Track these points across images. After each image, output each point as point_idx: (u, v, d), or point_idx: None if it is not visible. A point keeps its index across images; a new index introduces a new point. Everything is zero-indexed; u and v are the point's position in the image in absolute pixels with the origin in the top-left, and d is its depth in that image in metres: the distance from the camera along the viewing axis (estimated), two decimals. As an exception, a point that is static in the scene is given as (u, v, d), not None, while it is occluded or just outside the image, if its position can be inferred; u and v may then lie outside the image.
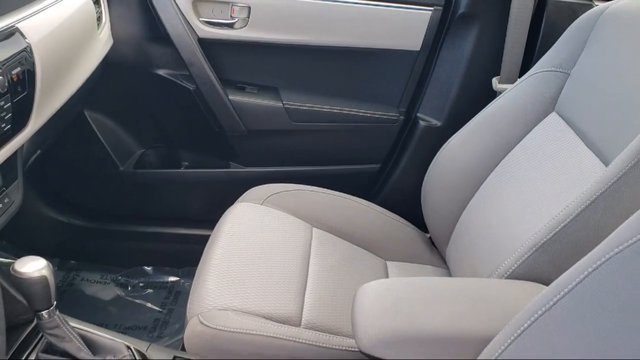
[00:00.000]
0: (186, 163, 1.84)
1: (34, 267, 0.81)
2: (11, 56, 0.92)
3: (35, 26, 1.03)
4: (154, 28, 1.58)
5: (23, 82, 0.95)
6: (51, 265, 0.83)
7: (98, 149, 1.71)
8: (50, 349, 0.86)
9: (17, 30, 0.97)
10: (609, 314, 0.59)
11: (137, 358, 0.91)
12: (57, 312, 0.85)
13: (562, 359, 0.62)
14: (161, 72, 1.65)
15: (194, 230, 1.78)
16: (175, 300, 1.70)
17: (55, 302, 0.85)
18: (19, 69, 0.93)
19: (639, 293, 0.57)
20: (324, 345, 0.99)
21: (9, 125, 0.91)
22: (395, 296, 0.82)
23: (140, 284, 1.75)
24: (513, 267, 0.93)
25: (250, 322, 1.01)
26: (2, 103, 0.88)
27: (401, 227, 1.47)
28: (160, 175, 1.81)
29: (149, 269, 1.79)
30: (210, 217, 1.39)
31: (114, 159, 1.73)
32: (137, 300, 1.68)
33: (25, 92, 0.96)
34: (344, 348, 1.00)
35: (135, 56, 1.62)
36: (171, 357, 0.96)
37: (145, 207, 1.83)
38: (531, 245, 0.91)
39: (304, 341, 0.99)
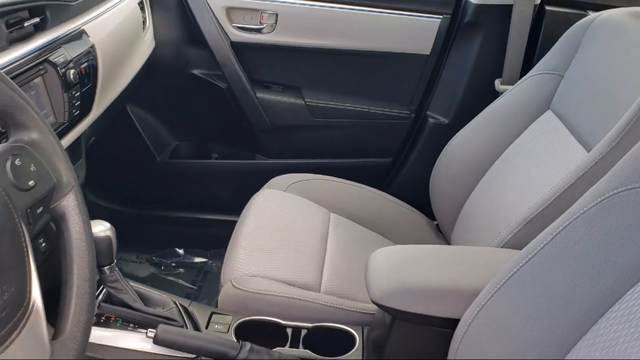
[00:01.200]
0: (216, 155, 1.92)
1: (100, 228, 0.93)
2: (80, 53, 1.06)
3: (96, 28, 1.16)
4: (192, 32, 1.67)
5: (89, 75, 1.09)
6: (114, 229, 0.96)
7: (138, 141, 1.80)
8: (109, 299, 0.98)
9: (84, 31, 1.11)
10: (573, 265, 0.71)
11: (182, 311, 1.04)
12: (116, 268, 0.98)
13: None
14: (196, 71, 1.74)
15: (221, 215, 1.85)
16: (204, 279, 1.80)
17: (115, 260, 0.98)
18: (86, 64, 1.07)
19: (594, 249, 0.69)
20: (340, 307, 1.10)
21: (78, 111, 1.05)
22: (403, 258, 0.94)
23: (173, 264, 1.84)
24: (507, 239, 1.04)
25: (276, 286, 1.12)
26: (74, 92, 1.02)
27: (411, 215, 1.54)
28: (192, 165, 1.89)
29: (180, 250, 1.88)
30: (237, 204, 1.48)
31: (151, 150, 1.82)
32: (169, 278, 1.78)
33: (90, 84, 1.10)
34: (358, 310, 1.11)
35: (174, 57, 1.71)
36: (209, 313, 1.08)
37: (178, 194, 1.90)
38: (522, 220, 1.02)
39: (323, 303, 1.10)
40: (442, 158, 1.48)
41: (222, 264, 1.25)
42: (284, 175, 1.53)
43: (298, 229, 1.32)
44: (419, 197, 1.56)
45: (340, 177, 1.57)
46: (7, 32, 0.90)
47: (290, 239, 1.28)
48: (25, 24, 0.95)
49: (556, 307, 0.71)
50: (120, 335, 0.96)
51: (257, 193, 1.46)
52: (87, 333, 0.64)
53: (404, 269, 0.91)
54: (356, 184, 1.56)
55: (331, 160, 1.84)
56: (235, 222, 1.36)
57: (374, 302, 0.89)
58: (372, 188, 1.56)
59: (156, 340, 0.92)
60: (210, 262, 1.87)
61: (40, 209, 0.64)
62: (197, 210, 1.90)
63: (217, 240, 1.60)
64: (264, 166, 1.83)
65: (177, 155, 1.90)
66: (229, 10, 1.64)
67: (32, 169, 0.63)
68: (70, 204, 0.67)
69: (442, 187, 1.45)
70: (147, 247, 1.87)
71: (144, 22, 1.51)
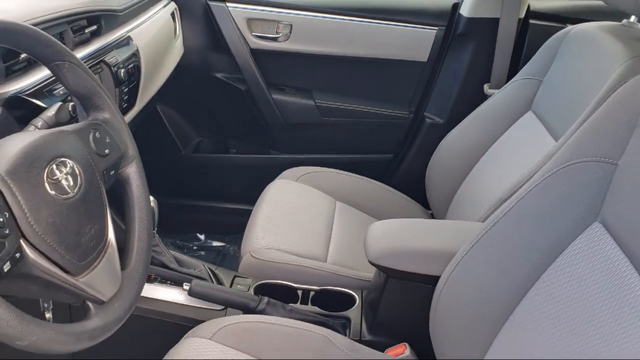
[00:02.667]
0: (234, 150, 2.04)
1: (146, 200, 1.11)
2: (128, 56, 1.24)
3: (139, 35, 1.35)
4: (216, 40, 1.81)
5: (134, 74, 1.27)
6: (157, 201, 1.13)
7: (165, 136, 1.93)
8: (150, 261, 1.16)
9: (130, 37, 1.29)
10: (525, 228, 0.87)
11: (210, 273, 1.21)
12: (157, 235, 1.15)
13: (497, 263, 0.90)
14: (219, 75, 1.88)
15: (238, 204, 1.97)
16: (223, 261, 1.94)
17: (156, 227, 1.15)
18: (132, 65, 1.25)
19: (542, 215, 0.85)
20: (343, 274, 1.26)
21: (126, 104, 1.23)
22: (395, 227, 1.11)
23: (194, 247, 1.98)
24: (484, 216, 1.20)
25: (289, 257, 1.28)
26: (123, 87, 1.20)
27: (408, 204, 1.66)
28: (213, 158, 2.02)
29: (201, 235, 2.02)
30: (252, 195, 1.59)
31: (177, 144, 1.96)
32: (191, 260, 1.93)
33: (135, 82, 1.28)
34: (357, 277, 1.26)
35: (200, 62, 1.85)
36: (232, 276, 1.25)
37: (200, 185, 2.02)
38: (497, 200, 1.17)
39: (328, 270, 1.26)
40: (436, 154, 1.60)
41: (238, 247, 1.39)
42: (296, 167, 1.66)
43: (307, 213, 1.47)
44: (416, 189, 1.68)
45: (345, 170, 1.69)
46: (73, 37, 1.08)
47: (301, 220, 1.43)
48: (86, 31, 1.13)
49: (514, 261, 0.87)
50: (160, 290, 1.13)
51: (272, 183, 1.59)
52: (147, 268, 0.82)
53: (395, 235, 1.08)
54: (360, 176, 1.68)
55: (338, 155, 1.95)
56: (250, 210, 1.49)
57: (370, 262, 1.06)
58: (374, 180, 1.69)
59: (191, 292, 1.09)
60: (227, 246, 2.00)
61: (112, 172, 0.82)
62: (216, 199, 2.02)
63: (234, 227, 1.73)
64: (277, 160, 1.95)
65: (200, 149, 2.03)
66: (250, 21, 1.79)
67: (107, 141, 0.81)
68: (133, 171, 0.86)
69: (436, 179, 1.57)
70: (171, 232, 1.98)
71: (175, 31, 1.69)
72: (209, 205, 2.03)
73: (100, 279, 0.71)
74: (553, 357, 0.77)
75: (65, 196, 0.68)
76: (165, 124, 1.93)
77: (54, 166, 0.68)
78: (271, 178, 1.63)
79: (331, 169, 1.69)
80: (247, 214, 1.48)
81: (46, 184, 0.66)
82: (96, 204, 0.74)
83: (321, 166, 1.69)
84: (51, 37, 0.76)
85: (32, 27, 0.73)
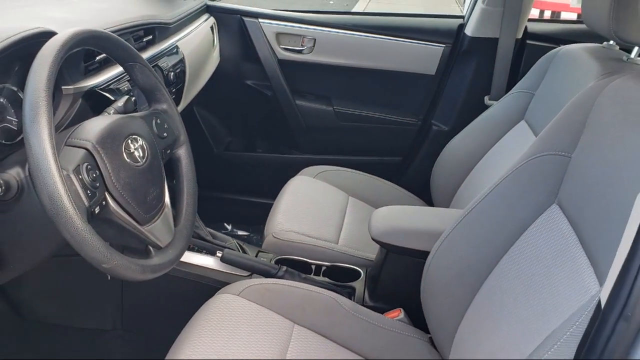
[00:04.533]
0: (260, 149, 2.20)
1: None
2: (176, 62, 1.45)
3: (185, 44, 1.55)
4: (248, 51, 1.99)
5: (180, 78, 1.47)
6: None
7: (200, 136, 2.08)
8: None
9: (177, 46, 1.50)
10: (499, 210, 1.04)
11: (238, 247, 1.40)
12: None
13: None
14: (249, 82, 2.05)
15: (261, 199, 2.11)
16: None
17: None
18: (179, 70, 1.46)
19: (511, 200, 1.02)
20: (351, 254, 1.44)
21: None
22: (395, 211, 1.30)
23: None
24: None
25: (305, 238, 1.46)
26: (172, 88, 1.40)
27: (413, 201, 1.81)
28: (241, 157, 2.18)
29: (228, 225, 2.18)
30: (274, 190, 1.73)
31: (210, 143, 2.12)
32: (223, 235, 2.02)
33: (180, 85, 1.48)
34: (363, 257, 1.43)
35: (233, 70, 2.02)
36: (256, 251, 1.44)
37: (229, 180, 2.17)
38: (485, 191, 1.34)
39: (338, 250, 1.44)
40: (440, 158, 1.75)
41: (261, 237, 1.56)
42: (314, 166, 1.82)
43: (323, 204, 1.64)
44: (422, 188, 1.82)
45: (358, 170, 1.84)
46: (134, 44, 1.29)
47: (317, 210, 1.61)
48: (144, 40, 1.35)
49: (488, 237, 1.04)
50: (197, 257, 1.33)
51: (293, 178, 1.76)
52: (192, 227, 1.02)
53: (394, 217, 1.27)
54: (371, 175, 1.84)
55: (352, 156, 2.09)
56: (272, 204, 1.65)
57: (373, 239, 1.25)
58: (384, 180, 1.84)
59: (223, 259, 1.29)
60: (251, 235, 2.16)
61: (168, 151, 1.02)
62: (242, 193, 2.19)
63: (257, 218, 1.87)
64: (298, 159, 2.10)
65: (230, 148, 2.19)
66: (278, 35, 1.98)
67: (165, 127, 1.01)
68: (184, 152, 1.06)
69: (440, 179, 1.73)
70: (202, 221, 2.10)
71: (213, 42, 1.89)
72: (236, 199, 2.20)
73: (159, 230, 0.91)
74: (517, 311, 0.93)
75: (136, 164, 0.88)
76: (201, 124, 2.10)
77: (129, 141, 0.89)
78: (292, 175, 1.78)
79: (346, 168, 1.84)
80: (270, 207, 1.64)
81: (123, 154, 0.87)
82: (157, 173, 0.94)
83: (337, 166, 1.85)
84: (127, 43, 0.97)
85: (114, 34, 0.94)
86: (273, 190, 1.76)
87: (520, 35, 1.84)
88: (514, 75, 1.84)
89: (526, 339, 0.80)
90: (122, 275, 0.80)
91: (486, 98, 1.88)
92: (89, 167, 0.79)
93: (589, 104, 0.99)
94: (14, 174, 0.82)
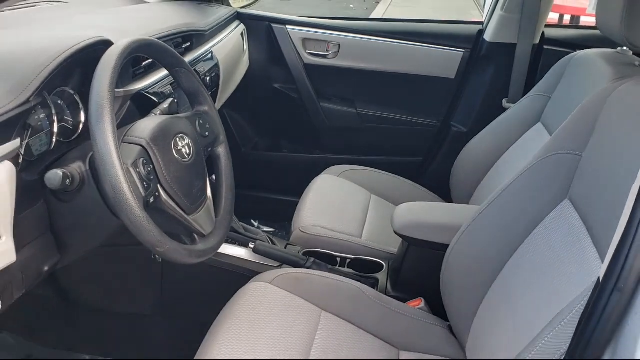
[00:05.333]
0: (286, 150, 2.28)
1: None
2: (211, 67, 1.54)
3: (219, 51, 1.65)
4: (276, 56, 2.07)
5: (214, 82, 1.57)
6: None
7: (228, 136, 2.11)
8: None
9: (212, 52, 1.60)
10: (514, 204, 1.11)
11: (268, 239, 1.49)
12: None
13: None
14: (276, 85, 2.13)
15: (287, 197, 2.19)
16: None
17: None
18: (214, 74, 1.55)
19: (525, 197, 1.08)
20: (374, 247, 1.51)
21: (210, 105, 1.53)
22: (417, 207, 1.37)
23: None
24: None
25: (330, 233, 1.54)
26: (208, 92, 1.50)
27: (433, 199, 1.86)
28: (267, 156, 2.26)
29: (255, 222, 2.26)
30: (299, 188, 1.78)
31: (238, 142, 2.21)
32: (254, 229, 2.07)
33: (215, 89, 1.58)
34: (385, 251, 1.50)
35: (261, 74, 2.11)
36: (285, 244, 1.52)
37: (256, 178, 2.24)
38: (502, 187, 1.40)
39: (362, 244, 1.51)
40: (459, 158, 1.81)
41: (287, 233, 1.64)
42: (338, 165, 1.89)
43: (347, 202, 1.72)
44: (442, 188, 1.87)
45: (380, 169, 1.90)
46: (175, 50, 1.38)
47: (341, 207, 1.68)
48: (183, 46, 1.44)
49: (504, 230, 1.11)
50: (232, 248, 1.42)
51: (318, 177, 1.83)
52: (231, 218, 1.11)
53: (416, 212, 1.34)
54: (393, 175, 1.90)
55: (374, 157, 2.16)
56: (297, 202, 1.71)
57: (395, 233, 1.32)
58: (404, 178, 1.90)
59: (255, 250, 1.38)
60: (277, 232, 2.23)
61: (209, 149, 1.12)
62: (268, 191, 2.26)
63: (283, 215, 1.95)
64: (323, 159, 2.17)
65: (257, 148, 2.28)
66: (305, 40, 2.06)
67: (207, 127, 1.11)
68: (223, 150, 1.15)
69: (459, 179, 1.79)
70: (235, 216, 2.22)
71: (244, 48, 1.98)
72: (262, 196, 2.28)
73: (202, 219, 1.01)
74: (530, 296, 1.00)
75: (183, 160, 0.98)
76: (230, 125, 2.19)
77: (177, 139, 0.98)
78: (316, 174, 1.86)
79: (368, 168, 1.90)
80: (294, 205, 1.71)
81: (173, 150, 0.96)
82: (201, 168, 1.04)
83: (360, 165, 1.91)
84: (174, 50, 1.06)
85: (163, 43, 1.04)
86: (297, 188, 1.83)
87: (537, 41, 1.90)
88: (532, 79, 1.89)
89: (538, 318, 0.87)
90: (172, 258, 0.90)
91: (504, 101, 1.94)
92: (144, 161, 0.89)
93: (599, 106, 1.05)
94: (76, 167, 0.91)
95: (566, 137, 1.07)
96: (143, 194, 0.86)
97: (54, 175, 0.86)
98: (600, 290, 0.56)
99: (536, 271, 1.02)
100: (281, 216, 2.16)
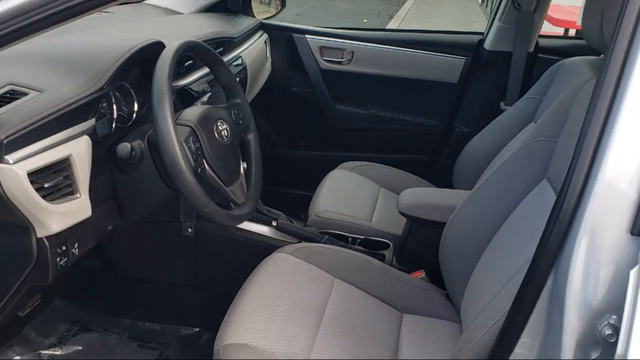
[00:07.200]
0: (302, 148, 2.44)
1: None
2: (240, 70, 1.74)
3: (247, 56, 1.84)
4: (295, 62, 2.24)
5: (242, 83, 1.75)
6: None
7: None
8: None
9: (241, 57, 1.80)
10: (500, 186, 1.28)
11: (288, 220, 1.67)
12: None
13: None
14: (295, 89, 2.31)
15: (302, 191, 2.23)
16: None
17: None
18: (242, 76, 1.75)
19: (510, 179, 1.25)
20: (382, 230, 1.67)
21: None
22: (420, 190, 1.56)
23: None
24: None
25: (343, 217, 1.71)
26: (237, 91, 1.69)
27: None
28: (286, 153, 2.43)
29: None
30: (314, 183, 1.92)
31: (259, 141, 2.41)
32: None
33: (242, 89, 1.77)
34: (391, 232, 1.66)
35: (282, 79, 2.28)
36: (302, 225, 1.70)
37: (273, 174, 2.21)
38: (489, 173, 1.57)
39: (372, 227, 1.68)
40: (462, 155, 1.96)
41: (304, 226, 1.80)
42: (350, 161, 2.06)
43: (359, 193, 1.89)
44: (444, 182, 2.00)
45: (389, 165, 2.06)
46: (209, 55, 1.58)
47: (353, 197, 1.85)
48: (216, 50, 1.64)
49: (491, 208, 1.27)
50: (257, 226, 1.61)
51: (332, 171, 2.00)
52: (259, 192, 1.29)
53: (419, 195, 1.52)
54: (400, 170, 2.06)
55: (384, 154, 2.31)
56: (311, 195, 1.87)
57: (400, 213, 1.50)
58: (411, 174, 2.06)
59: (277, 227, 1.56)
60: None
61: (242, 135, 1.31)
62: (285, 186, 2.40)
63: (298, 208, 2.03)
64: (337, 157, 2.26)
65: (276, 146, 2.45)
66: (322, 48, 2.24)
67: (240, 116, 1.30)
68: (253, 137, 1.35)
69: (461, 174, 1.95)
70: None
71: (267, 54, 2.17)
72: (280, 190, 2.40)
73: (237, 191, 1.20)
74: (510, 256, 1.16)
75: (223, 141, 1.17)
76: None
77: (218, 123, 1.17)
78: (330, 170, 2.00)
79: (378, 164, 2.06)
80: (309, 198, 1.85)
81: (214, 132, 1.15)
82: (236, 149, 1.23)
83: (370, 161, 2.07)
84: (215, 51, 1.26)
85: (206, 44, 1.24)
86: (313, 183, 1.98)
87: (532, 49, 2.07)
88: (527, 84, 2.05)
89: (511, 266, 1.03)
90: (214, 219, 1.09)
91: (502, 103, 2.10)
92: (193, 139, 1.08)
93: (571, 100, 1.22)
94: (137, 144, 1.11)
95: (544, 127, 1.25)
96: (193, 164, 1.05)
97: (124, 147, 1.05)
98: (547, 224, 0.74)
99: (516, 241, 1.19)
100: (298, 209, 2.19)
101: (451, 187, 1.97)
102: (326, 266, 1.41)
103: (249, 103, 1.96)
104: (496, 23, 2.08)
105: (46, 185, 0.90)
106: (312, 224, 1.72)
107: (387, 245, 1.64)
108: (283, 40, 2.26)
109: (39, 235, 0.93)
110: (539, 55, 2.09)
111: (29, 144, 0.88)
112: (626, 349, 0.63)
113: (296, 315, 1.23)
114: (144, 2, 2.06)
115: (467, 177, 1.88)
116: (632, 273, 0.66)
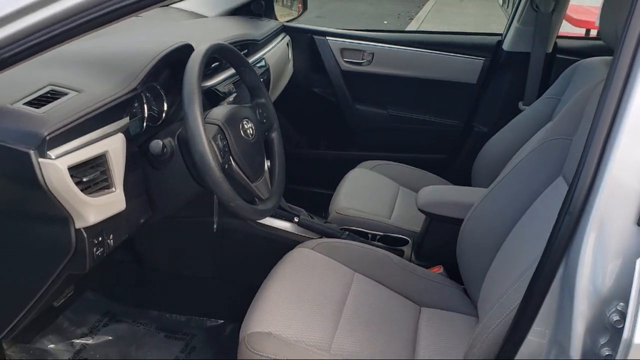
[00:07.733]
0: (323, 147, 2.49)
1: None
2: (263, 71, 1.79)
3: (269, 57, 1.89)
4: (317, 64, 2.29)
5: (265, 84, 1.81)
6: None
7: None
8: None
9: (264, 58, 1.85)
10: (518, 183, 1.31)
11: (309, 217, 1.72)
12: None
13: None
14: (316, 90, 2.35)
15: (322, 189, 2.27)
16: None
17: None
18: (265, 77, 1.80)
19: (527, 176, 1.28)
20: (401, 227, 1.71)
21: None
22: (439, 188, 1.59)
23: None
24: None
25: (363, 214, 1.74)
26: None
27: None
28: (307, 152, 2.47)
29: None
30: (334, 182, 1.96)
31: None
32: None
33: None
34: (411, 229, 1.70)
35: (303, 80, 2.32)
36: (323, 221, 1.74)
37: (296, 172, 2.19)
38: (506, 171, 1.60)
39: (391, 224, 1.72)
40: (480, 154, 1.97)
41: (325, 222, 1.84)
42: (370, 160, 2.09)
43: (378, 191, 1.93)
44: (463, 181, 2.01)
45: (408, 164, 2.09)
46: (235, 57, 1.64)
47: (373, 194, 1.89)
48: (242, 52, 1.70)
49: (508, 205, 1.30)
50: (279, 222, 1.66)
51: (352, 170, 2.04)
52: (283, 188, 1.34)
53: (437, 192, 1.56)
54: (419, 169, 2.08)
55: (403, 153, 2.33)
56: (331, 194, 1.90)
57: (419, 209, 1.54)
58: (430, 173, 2.08)
59: (299, 223, 1.61)
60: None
61: (266, 134, 1.36)
62: (308, 184, 2.43)
63: (320, 206, 2.06)
64: (357, 156, 2.29)
65: (298, 145, 2.50)
66: (342, 50, 2.28)
67: (264, 115, 1.35)
68: (276, 135, 1.40)
69: (480, 174, 1.95)
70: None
71: (289, 56, 2.21)
72: (301, 189, 2.41)
73: (262, 187, 1.25)
74: (530, 252, 1.18)
75: (248, 139, 1.23)
76: None
77: (243, 122, 1.23)
78: (350, 169, 2.04)
79: (397, 163, 2.10)
80: (329, 197, 1.89)
81: (240, 130, 1.21)
82: (260, 147, 1.28)
83: (390, 161, 2.10)
84: (240, 53, 1.32)
85: (233, 47, 1.29)
86: (333, 182, 2.01)
87: (550, 50, 2.08)
88: (545, 84, 2.05)
89: (526, 260, 1.07)
90: (240, 213, 1.14)
91: (520, 103, 2.11)
92: (220, 137, 1.14)
93: (586, 99, 1.25)
94: (167, 142, 1.17)
95: (560, 125, 1.27)
96: (220, 161, 1.11)
97: (156, 144, 1.11)
98: (558, 217, 0.78)
99: (532, 236, 1.21)
100: (319, 207, 2.22)
101: (469, 185, 1.98)
102: (346, 261, 1.45)
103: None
104: (514, 24, 2.10)
105: (85, 180, 0.96)
106: (332, 221, 1.77)
107: (406, 242, 1.67)
108: (305, 42, 2.31)
109: (77, 227, 0.99)
110: (557, 55, 2.11)
111: (69, 141, 0.95)
112: (632, 333, 0.67)
113: (318, 306, 1.28)
114: (171, 6, 2.13)
115: (486, 176, 1.89)
116: (638, 262, 0.69)
